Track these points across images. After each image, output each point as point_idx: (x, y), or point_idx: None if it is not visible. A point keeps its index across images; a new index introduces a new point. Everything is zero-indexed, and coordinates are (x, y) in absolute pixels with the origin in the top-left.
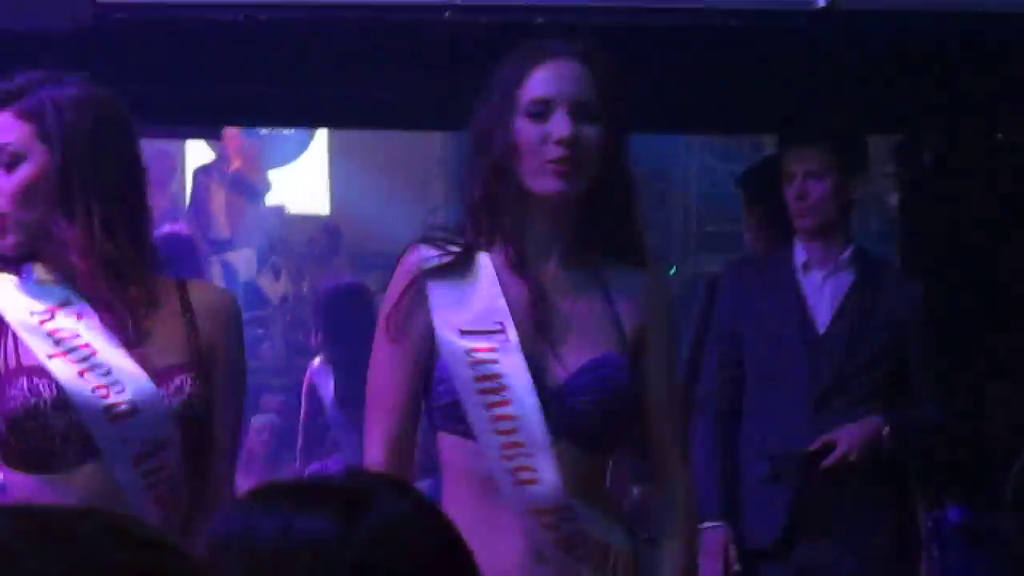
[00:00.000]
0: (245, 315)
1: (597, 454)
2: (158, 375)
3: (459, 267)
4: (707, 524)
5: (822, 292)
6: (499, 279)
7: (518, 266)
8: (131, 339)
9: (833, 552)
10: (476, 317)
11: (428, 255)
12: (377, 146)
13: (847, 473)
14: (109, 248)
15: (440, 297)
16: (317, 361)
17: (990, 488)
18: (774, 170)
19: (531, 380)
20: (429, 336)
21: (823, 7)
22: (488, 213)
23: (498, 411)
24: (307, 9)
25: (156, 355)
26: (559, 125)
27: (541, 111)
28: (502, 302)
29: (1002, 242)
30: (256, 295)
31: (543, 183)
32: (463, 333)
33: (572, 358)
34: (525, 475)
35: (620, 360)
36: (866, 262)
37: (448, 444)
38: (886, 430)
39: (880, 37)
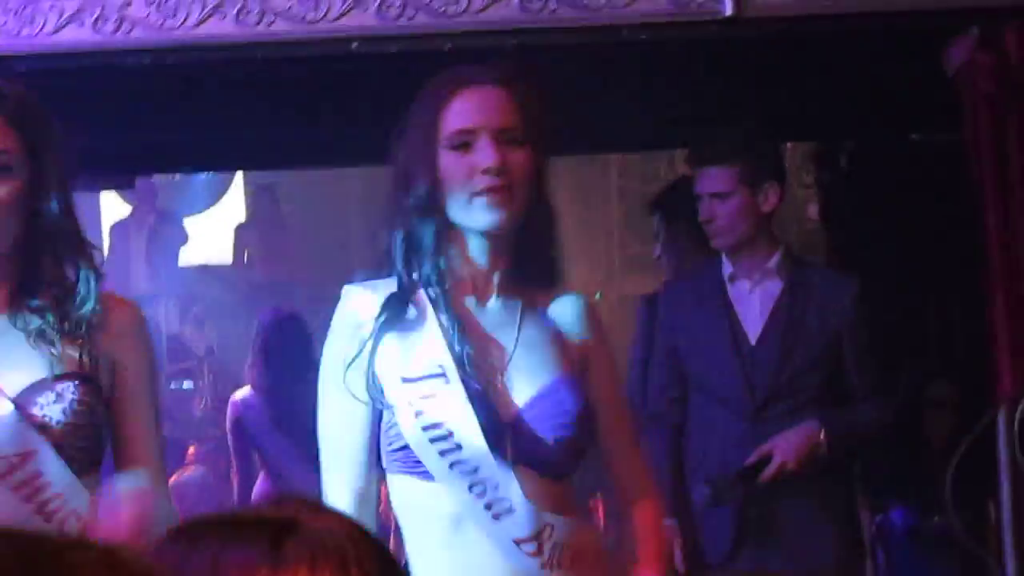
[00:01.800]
0: (170, 367)
1: (559, 478)
2: (37, 387)
3: (397, 310)
4: None
5: (751, 302)
6: (439, 319)
7: (455, 302)
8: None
9: (779, 561)
10: (417, 363)
11: (365, 301)
12: (294, 188)
13: (789, 481)
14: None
15: (382, 344)
16: (240, 394)
17: (932, 490)
18: (686, 190)
19: (477, 422)
20: (375, 383)
21: (731, 15)
22: (417, 251)
23: (451, 457)
24: (214, 51)
25: (47, 367)
26: (485, 154)
27: (464, 141)
28: (442, 345)
29: (923, 241)
30: (180, 347)
31: (474, 217)
32: (405, 380)
33: (524, 388)
34: (501, 506)
35: (571, 382)
36: (794, 267)
37: (403, 486)
38: (822, 434)
39: (790, 43)
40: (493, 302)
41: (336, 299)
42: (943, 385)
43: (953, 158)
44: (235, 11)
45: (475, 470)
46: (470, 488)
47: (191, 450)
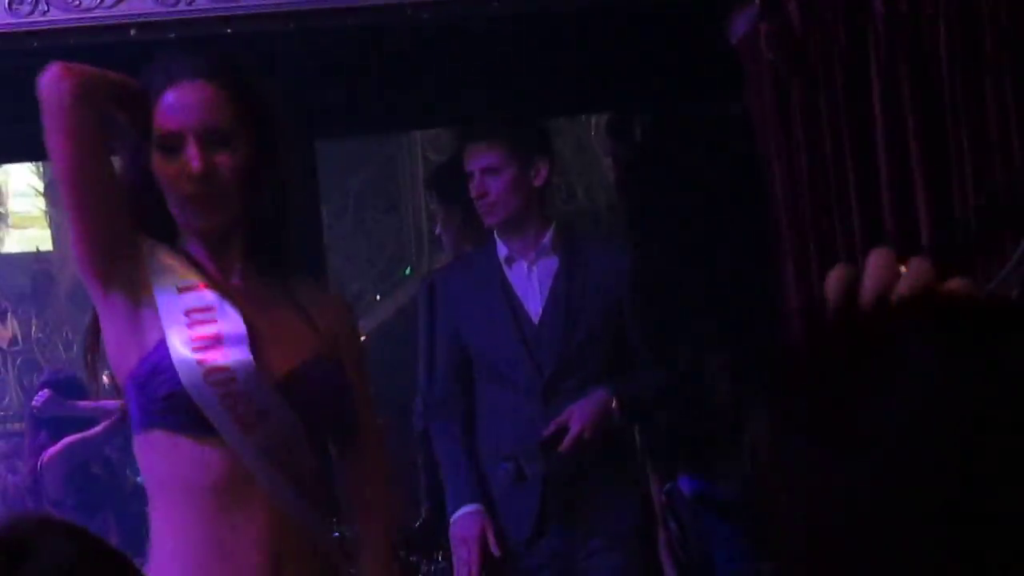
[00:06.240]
0: None
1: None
2: None
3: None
4: (464, 509)
5: (530, 282)
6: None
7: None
8: None
9: (581, 533)
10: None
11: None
12: None
13: (586, 456)
14: None
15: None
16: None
17: (720, 457)
18: (460, 168)
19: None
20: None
21: None
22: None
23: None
24: None
25: None
26: (190, 160)
27: (173, 145)
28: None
29: (716, 210)
30: None
31: (185, 219)
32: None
33: (282, 362)
34: (252, 416)
35: (328, 363)
36: (569, 242)
37: (163, 446)
38: (613, 401)
39: (578, 17)
40: (239, 282)
41: None
42: (726, 354)
43: (744, 127)
44: None
45: (232, 380)
46: (222, 399)
47: None
